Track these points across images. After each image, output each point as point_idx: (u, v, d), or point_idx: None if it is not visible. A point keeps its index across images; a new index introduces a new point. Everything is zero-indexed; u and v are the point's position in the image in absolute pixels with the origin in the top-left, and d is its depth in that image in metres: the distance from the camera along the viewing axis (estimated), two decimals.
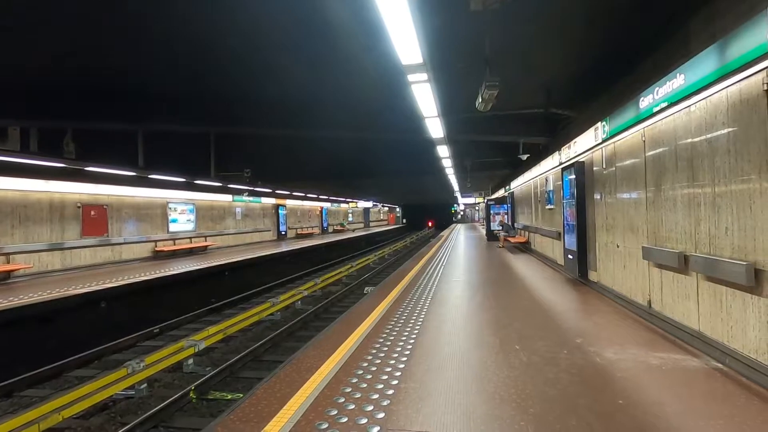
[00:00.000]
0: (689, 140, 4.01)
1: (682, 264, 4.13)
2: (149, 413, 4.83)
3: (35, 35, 5.35)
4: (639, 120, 4.76)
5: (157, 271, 11.18)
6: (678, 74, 3.80)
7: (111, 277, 10.29)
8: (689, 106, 3.93)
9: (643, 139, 5.01)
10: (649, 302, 5.01)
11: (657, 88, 4.23)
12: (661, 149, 4.60)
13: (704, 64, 3.42)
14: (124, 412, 5.15)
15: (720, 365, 3.60)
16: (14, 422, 3.99)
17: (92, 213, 12.40)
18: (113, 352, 7.55)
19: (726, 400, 3.00)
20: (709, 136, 3.70)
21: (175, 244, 15.69)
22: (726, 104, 3.45)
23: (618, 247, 5.92)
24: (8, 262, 10.00)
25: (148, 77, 7.10)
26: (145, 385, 5.52)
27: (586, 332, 4.72)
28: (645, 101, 4.52)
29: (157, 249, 14.82)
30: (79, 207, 11.96)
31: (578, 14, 4.94)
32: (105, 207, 12.88)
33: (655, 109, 4.30)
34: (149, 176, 11.70)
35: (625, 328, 4.86)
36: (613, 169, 6.05)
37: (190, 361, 6.39)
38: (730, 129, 3.42)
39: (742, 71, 3.05)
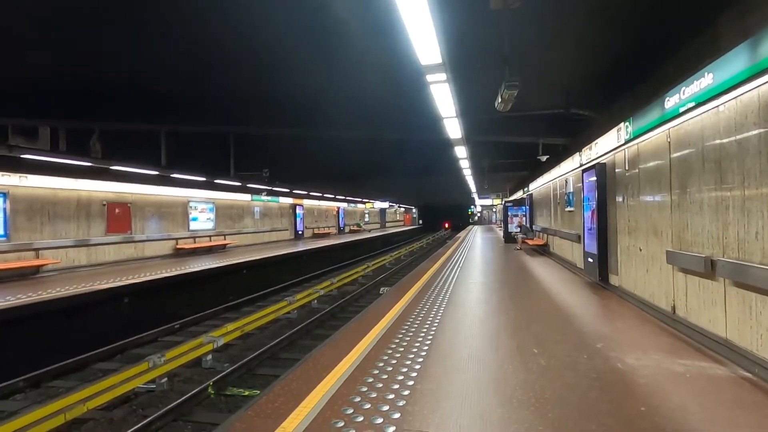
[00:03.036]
0: (717, 141, 3.89)
1: (709, 269, 4.00)
2: (169, 407, 4.94)
3: (64, 39, 5.53)
4: (664, 120, 4.64)
5: (179, 269, 11.43)
6: (706, 73, 3.69)
7: (134, 273, 10.56)
8: (718, 106, 3.81)
9: (669, 140, 4.87)
10: (674, 308, 4.87)
11: (684, 88, 4.11)
12: (687, 150, 4.47)
13: (735, 62, 3.30)
14: (146, 405, 5.28)
15: (748, 374, 3.47)
16: (42, 411, 4.15)
17: (117, 211, 12.76)
18: (135, 346, 7.75)
19: (754, 409, 2.89)
20: (739, 137, 3.58)
21: (195, 242, 16.01)
22: (758, 104, 3.32)
23: (640, 250, 5.78)
24: (37, 257, 10.37)
25: (171, 78, 7.26)
26: (166, 379, 5.65)
27: (606, 337, 4.62)
28: (671, 101, 4.40)
29: (177, 247, 15.15)
30: (104, 205, 12.32)
31: (600, 12, 4.84)
32: (129, 205, 13.23)
33: (682, 110, 4.18)
34: (171, 175, 11.97)
35: (648, 333, 4.74)
36: (636, 170, 5.90)
37: (209, 357, 6.51)
38: (761, 130, 3.30)
39: None
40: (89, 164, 9.74)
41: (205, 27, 5.33)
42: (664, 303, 5.11)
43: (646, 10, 4.73)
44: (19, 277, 9.76)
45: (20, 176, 9.97)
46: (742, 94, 3.46)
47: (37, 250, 10.38)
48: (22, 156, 8.21)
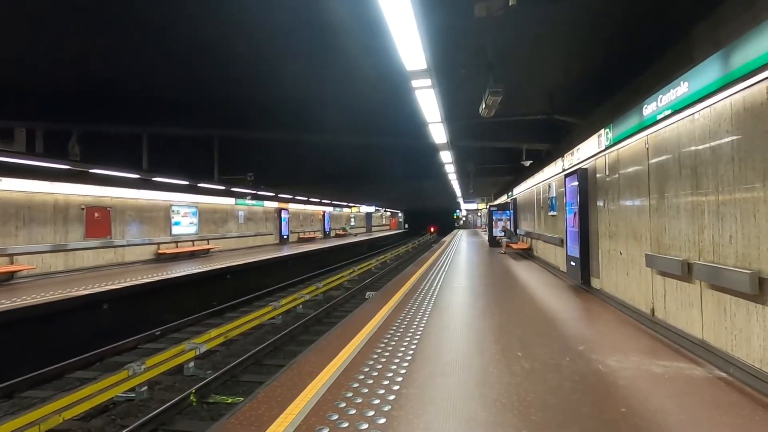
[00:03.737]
0: (693, 148, 4.01)
1: (686, 272, 4.11)
2: (150, 416, 4.82)
3: (42, 38, 5.41)
4: (642, 127, 4.77)
5: (160, 274, 11.20)
6: (682, 82, 3.81)
7: (114, 279, 10.31)
8: (693, 113, 3.93)
9: (647, 146, 5.00)
10: (653, 310, 4.98)
11: (661, 96, 4.24)
12: (664, 157, 4.59)
13: (708, 72, 3.42)
14: (125, 415, 5.15)
15: (724, 374, 3.57)
16: (15, 423, 4.00)
17: (96, 215, 12.45)
18: (114, 354, 7.55)
19: (730, 409, 2.98)
20: (713, 144, 3.70)
21: (177, 247, 15.72)
22: (730, 112, 3.45)
23: (621, 254, 5.90)
24: (12, 263, 10.04)
25: (153, 80, 7.16)
26: (146, 387, 5.52)
27: (588, 339, 4.70)
28: (648, 108, 4.53)
29: (159, 251, 14.85)
30: (83, 209, 12.01)
31: (582, 21, 4.97)
32: (109, 209, 12.93)
33: (659, 117, 4.30)
34: (153, 179, 11.76)
35: (628, 335, 4.83)
36: (617, 176, 6.04)
37: (191, 364, 6.39)
38: (734, 137, 3.42)
39: (746, 80, 3.06)
40: (67, 167, 9.51)
41: (192, 29, 5.28)
42: (644, 305, 5.23)
43: (625, 21, 4.87)
44: None
45: None
46: (715, 103, 3.58)
47: (11, 255, 10.05)
48: None
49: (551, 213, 10.56)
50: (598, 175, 6.87)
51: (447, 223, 58.78)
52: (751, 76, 2.99)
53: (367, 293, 11.08)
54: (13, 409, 5.47)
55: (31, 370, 6.32)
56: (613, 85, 6.32)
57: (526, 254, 14.33)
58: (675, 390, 3.32)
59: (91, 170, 10.01)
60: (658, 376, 3.60)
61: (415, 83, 4.97)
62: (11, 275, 9.90)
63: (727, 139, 3.50)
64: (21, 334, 7.18)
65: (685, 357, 4.04)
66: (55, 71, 6.64)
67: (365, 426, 2.83)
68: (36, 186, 10.52)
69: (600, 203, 6.78)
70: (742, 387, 3.31)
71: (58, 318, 7.77)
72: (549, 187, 10.74)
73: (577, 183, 7.38)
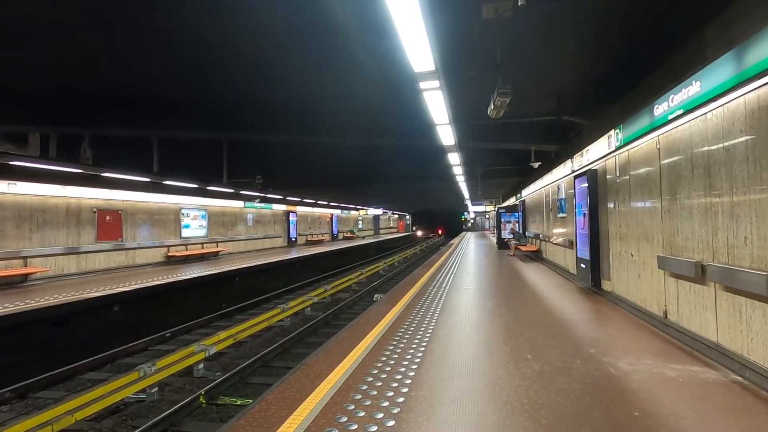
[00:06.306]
0: (706, 148, 3.95)
1: (699, 274, 4.05)
2: (160, 417, 4.85)
3: (54, 43, 5.50)
4: (654, 127, 4.71)
5: (170, 276, 11.30)
6: (694, 81, 3.76)
7: (125, 281, 10.43)
8: (706, 113, 3.88)
9: (658, 146, 4.94)
10: (665, 312, 4.91)
11: (672, 96, 4.19)
12: (676, 157, 4.53)
13: (721, 71, 3.38)
14: (135, 416, 5.19)
15: (739, 378, 3.50)
16: (29, 423, 4.05)
17: (107, 218, 12.62)
18: (125, 355, 7.62)
19: (745, 413, 2.92)
20: (726, 143, 3.64)
21: (187, 250, 15.87)
22: (744, 111, 3.39)
23: (632, 256, 5.83)
24: (26, 265, 10.21)
25: (163, 84, 7.23)
26: (156, 388, 5.56)
27: (599, 342, 4.64)
28: (660, 108, 4.48)
29: (169, 254, 15.00)
30: (94, 212, 12.18)
31: (591, 21, 4.93)
32: (120, 212, 13.10)
33: (671, 117, 4.25)
34: (163, 182, 11.88)
35: (640, 338, 4.76)
36: (627, 177, 5.97)
37: (201, 365, 6.43)
38: (748, 137, 3.36)
39: (760, 78, 3.01)
40: (79, 171, 9.65)
41: (200, 33, 5.33)
42: (656, 308, 5.15)
43: (635, 19, 4.82)
44: (7, 286, 9.59)
45: (8, 183, 9.84)
46: (728, 102, 3.53)
47: (25, 257, 10.22)
48: (10, 163, 8.11)
49: (560, 215, 10.47)
50: (608, 177, 6.80)
51: (455, 226, 58.58)
52: (765, 75, 2.94)
53: (375, 296, 11.08)
54: (27, 409, 5.54)
55: (44, 370, 6.40)
56: (622, 85, 6.25)
57: (535, 256, 14.22)
58: (689, 394, 3.26)
59: (102, 174, 10.14)
60: (671, 379, 3.54)
61: (423, 84, 4.96)
62: (25, 277, 10.07)
63: (741, 139, 3.45)
64: (33, 336, 7.28)
65: (699, 360, 3.97)
66: (68, 75, 6.75)
67: (374, 428, 2.82)
68: (49, 189, 10.71)
69: (610, 205, 6.70)
70: (758, 391, 3.24)
71: (70, 319, 7.87)
72: (558, 188, 10.66)
73: (586, 184, 7.31)
